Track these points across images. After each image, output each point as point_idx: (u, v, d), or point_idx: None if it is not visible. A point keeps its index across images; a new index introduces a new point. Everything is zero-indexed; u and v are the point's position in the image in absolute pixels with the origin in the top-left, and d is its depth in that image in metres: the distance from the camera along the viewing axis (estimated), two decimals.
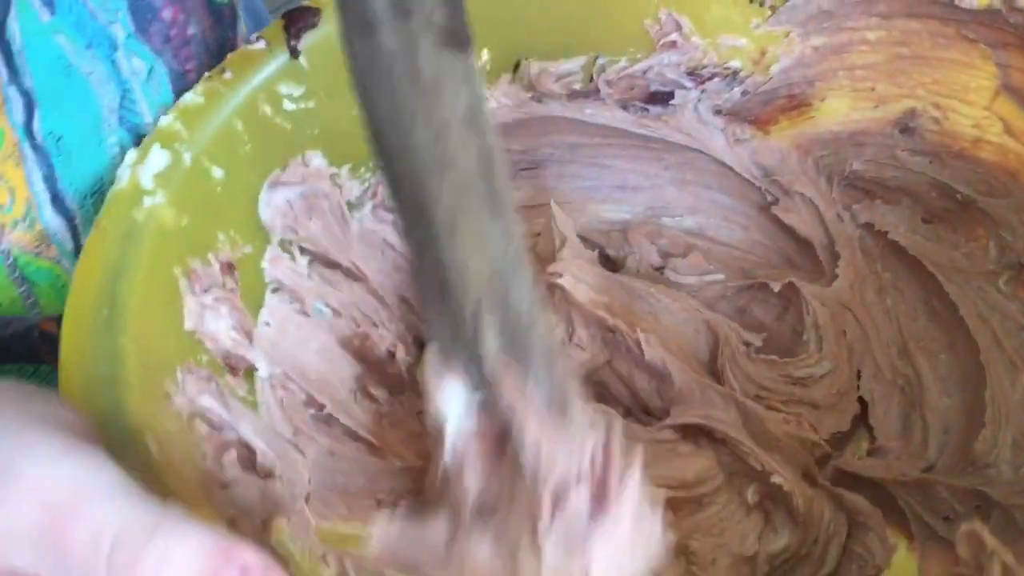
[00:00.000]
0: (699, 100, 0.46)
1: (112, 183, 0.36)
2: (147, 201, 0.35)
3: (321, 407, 0.41)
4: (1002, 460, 0.36)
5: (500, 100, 0.46)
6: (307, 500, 0.38)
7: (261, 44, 0.41)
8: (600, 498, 0.26)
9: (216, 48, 0.43)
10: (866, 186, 0.46)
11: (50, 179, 0.37)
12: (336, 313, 0.44)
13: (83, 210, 0.39)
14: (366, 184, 0.45)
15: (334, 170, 0.43)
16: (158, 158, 0.37)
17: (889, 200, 0.45)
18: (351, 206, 0.45)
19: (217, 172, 0.38)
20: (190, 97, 0.39)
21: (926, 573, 0.36)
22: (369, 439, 0.43)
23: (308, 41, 0.41)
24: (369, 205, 0.45)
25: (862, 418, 0.42)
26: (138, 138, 0.39)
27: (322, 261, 0.44)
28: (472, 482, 0.28)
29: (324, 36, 0.42)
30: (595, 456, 0.26)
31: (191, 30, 0.42)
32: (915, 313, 0.43)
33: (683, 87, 0.46)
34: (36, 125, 0.37)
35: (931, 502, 0.38)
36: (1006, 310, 0.39)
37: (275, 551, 0.31)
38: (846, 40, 0.43)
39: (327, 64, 0.42)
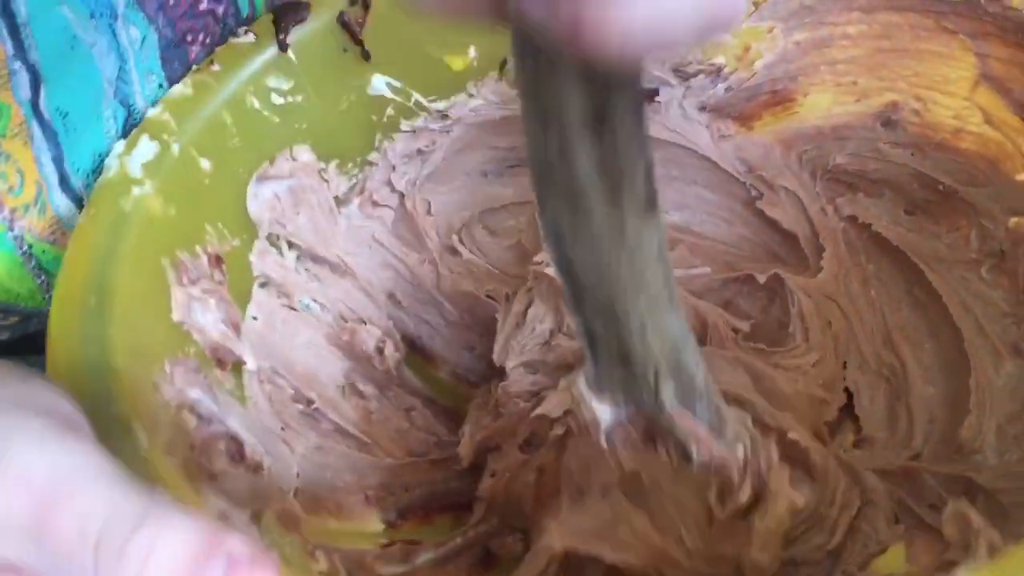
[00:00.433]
0: (684, 97, 0.46)
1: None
2: (135, 190, 0.35)
3: (309, 402, 0.41)
4: (987, 446, 0.37)
5: (487, 98, 0.46)
6: (296, 495, 0.37)
7: (250, 37, 0.41)
8: (760, 489, 0.33)
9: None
10: (849, 179, 0.46)
11: (58, 160, 0.36)
12: (324, 308, 0.44)
13: (88, 190, 0.38)
14: (353, 180, 0.45)
15: (322, 165, 0.43)
16: (146, 148, 0.37)
17: (872, 193, 0.45)
18: (339, 201, 0.45)
19: (205, 164, 0.38)
20: (179, 89, 0.39)
21: (914, 561, 0.37)
22: (357, 435, 0.42)
23: (297, 35, 0.41)
24: (357, 201, 0.45)
25: (848, 409, 0.42)
26: (127, 108, 0.39)
27: (310, 256, 0.44)
28: (626, 460, 0.34)
29: (313, 31, 0.42)
30: (747, 456, 0.34)
31: (204, 5, 0.40)
32: (899, 303, 0.43)
33: (668, 84, 0.46)
34: (43, 102, 0.36)
35: (918, 490, 0.38)
36: (988, 298, 0.40)
37: (265, 546, 0.31)
38: (828, 35, 0.43)
39: (315, 59, 0.42)
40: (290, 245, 0.43)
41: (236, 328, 0.39)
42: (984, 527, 0.30)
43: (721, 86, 0.46)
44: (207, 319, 0.37)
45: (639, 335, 0.30)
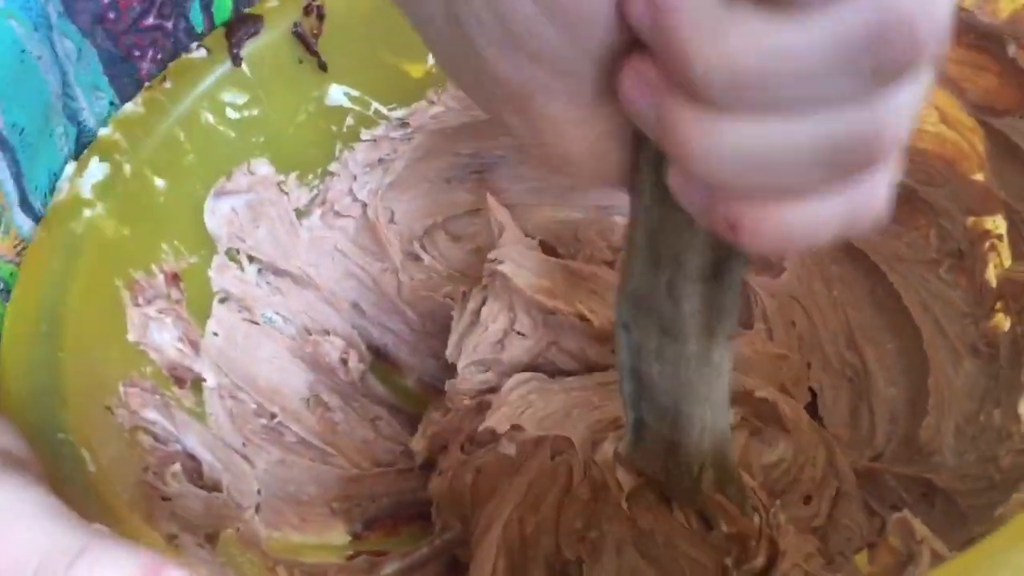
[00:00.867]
0: None
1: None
2: (86, 212, 0.35)
3: (272, 416, 0.41)
4: (945, 447, 0.37)
5: (448, 104, 0.46)
6: (257, 510, 0.37)
7: (202, 52, 0.41)
8: (774, 554, 0.35)
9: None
10: None
11: (18, 177, 0.36)
12: (287, 321, 0.44)
13: (48, 209, 0.38)
14: (314, 191, 0.45)
15: (281, 177, 0.43)
16: (97, 169, 0.36)
17: None
18: (299, 213, 0.44)
19: (159, 182, 0.38)
20: (130, 107, 0.38)
21: (875, 561, 0.37)
22: (322, 447, 0.43)
23: (250, 48, 0.41)
24: (318, 212, 0.45)
25: (811, 408, 0.42)
26: (77, 125, 0.38)
27: (271, 269, 0.44)
28: (642, 520, 0.37)
29: (267, 43, 0.41)
30: (762, 525, 0.36)
31: (151, 19, 0.40)
32: (861, 303, 0.43)
33: None
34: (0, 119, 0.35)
35: (879, 491, 0.38)
36: (947, 297, 0.39)
37: (219, 565, 0.31)
38: None
39: (270, 72, 0.42)
40: (250, 259, 0.43)
41: (194, 345, 0.39)
42: (928, 536, 0.30)
43: None
44: (164, 338, 0.37)
45: (697, 437, 0.32)
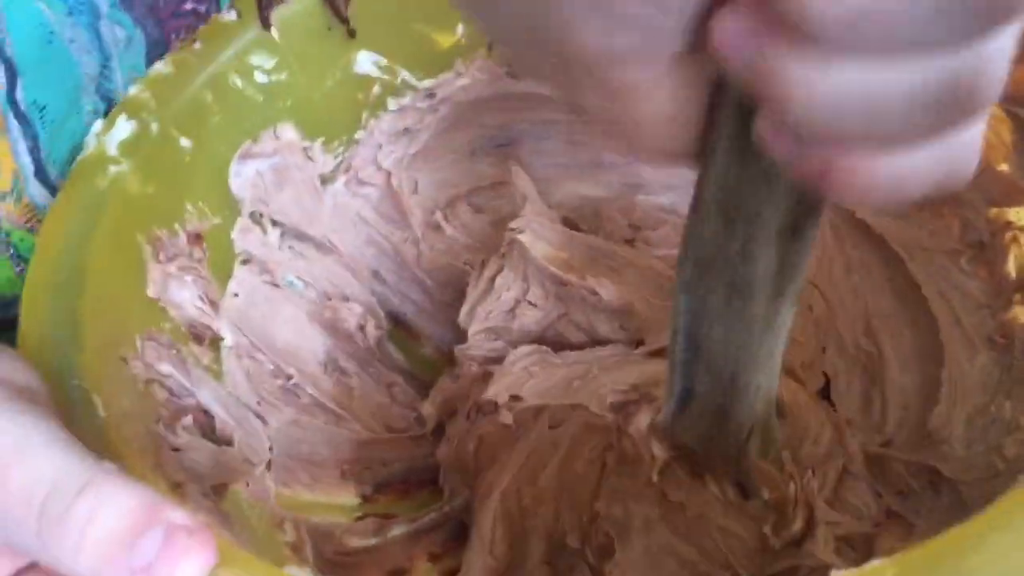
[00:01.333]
0: None
1: None
2: (112, 169, 0.36)
3: (288, 377, 0.42)
4: (955, 437, 0.36)
5: (475, 75, 0.46)
6: (268, 467, 0.38)
7: (232, 15, 0.41)
8: (810, 522, 0.36)
9: None
10: None
11: (35, 150, 0.38)
12: (307, 286, 0.45)
13: (65, 178, 0.40)
14: (339, 158, 0.45)
15: (307, 143, 0.44)
16: (124, 127, 0.37)
17: None
18: (324, 179, 0.45)
19: (185, 142, 0.39)
20: (159, 67, 0.39)
21: (880, 549, 0.37)
22: (336, 410, 0.43)
23: (280, 13, 0.41)
24: (342, 179, 0.46)
25: (824, 392, 0.42)
26: (110, 104, 0.40)
27: (293, 234, 0.44)
28: (672, 493, 0.37)
29: (297, 8, 0.42)
30: (798, 491, 0.35)
31: (189, 4, 0.42)
32: (880, 291, 0.43)
33: None
34: (19, 94, 0.37)
35: (888, 477, 0.38)
36: (966, 288, 0.39)
37: (223, 515, 0.32)
38: None
39: (300, 37, 0.42)
40: (273, 223, 0.44)
41: (214, 305, 0.39)
42: None
43: None
44: (183, 295, 0.38)
45: (751, 402, 0.31)
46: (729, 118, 0.22)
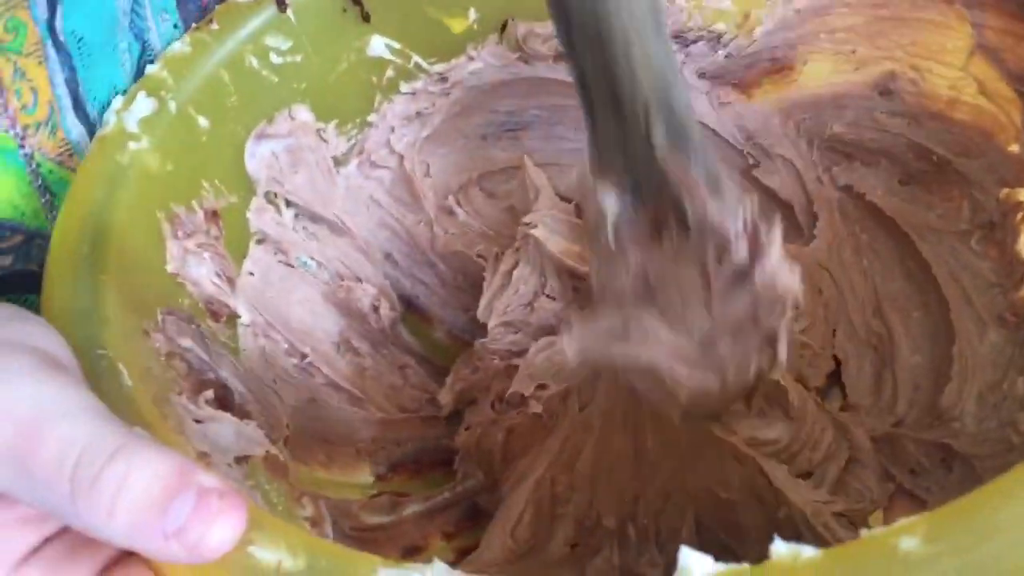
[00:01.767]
0: (683, 63, 0.46)
1: (125, 91, 0.38)
2: (132, 145, 0.36)
3: (303, 356, 0.42)
4: (966, 414, 0.37)
5: (487, 60, 0.46)
6: (286, 443, 0.38)
7: None
8: (755, 247, 0.33)
9: None
10: (846, 149, 0.46)
11: (72, 82, 0.37)
12: (321, 266, 0.45)
13: (103, 118, 0.39)
14: (352, 140, 0.46)
15: (321, 125, 0.44)
16: (144, 104, 0.37)
17: (868, 162, 0.45)
18: (337, 161, 0.45)
19: (203, 121, 0.39)
20: (177, 46, 0.39)
21: (889, 521, 0.37)
22: (350, 390, 0.43)
23: None
24: (355, 161, 0.46)
25: (835, 376, 0.42)
26: (142, 44, 0.40)
27: (307, 214, 0.45)
28: (634, 257, 0.34)
29: None
30: (746, 218, 0.32)
31: None
32: (891, 273, 0.43)
33: None
34: (58, 23, 0.37)
35: (899, 456, 0.39)
36: (977, 268, 0.40)
37: (246, 487, 0.32)
38: (827, 2, 0.43)
39: (315, 19, 0.43)
40: (288, 203, 0.44)
41: (231, 282, 0.40)
42: None
43: (721, 53, 0.46)
44: (201, 272, 0.38)
45: (625, 61, 0.30)
46: None
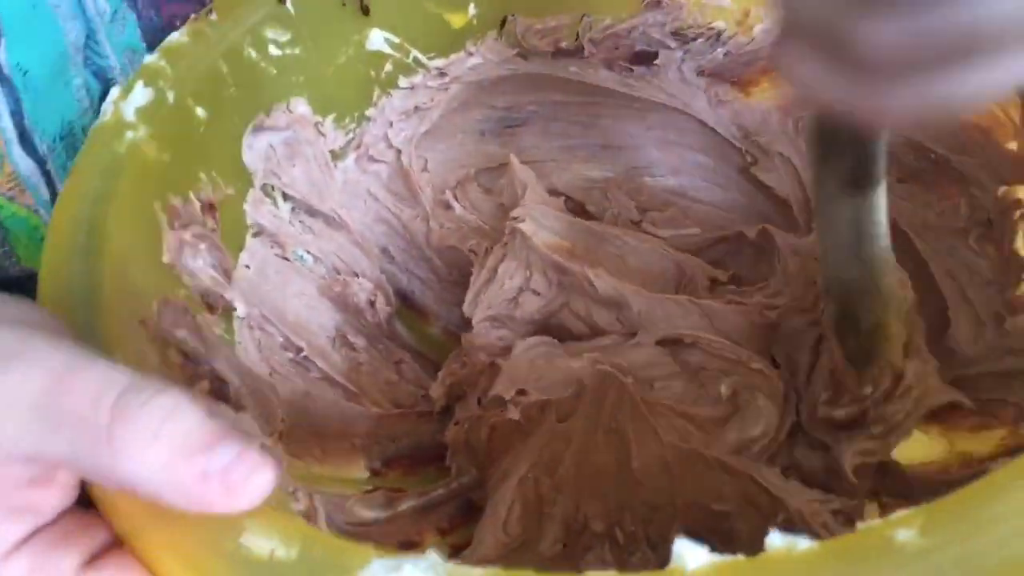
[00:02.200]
0: (683, 60, 0.47)
1: (82, 128, 0.37)
2: (129, 135, 0.36)
3: (298, 350, 0.42)
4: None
5: (485, 56, 0.46)
6: (280, 437, 0.38)
7: None
8: None
9: None
10: None
11: (17, 114, 0.37)
12: (317, 260, 0.45)
13: (54, 155, 0.40)
14: (350, 134, 0.46)
15: (318, 119, 0.44)
16: (141, 94, 0.37)
17: None
18: (335, 155, 0.45)
19: (200, 112, 0.39)
20: (176, 37, 0.39)
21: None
22: (346, 384, 0.43)
23: None
24: (353, 155, 0.46)
25: None
26: (104, 82, 0.40)
27: (304, 208, 0.44)
28: None
29: None
30: None
31: None
32: None
33: (667, 47, 0.46)
34: (3, 56, 0.37)
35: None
36: (975, 266, 0.40)
37: None
38: None
39: (314, 12, 0.43)
40: (285, 197, 0.44)
41: (227, 274, 0.39)
42: None
43: (720, 50, 0.46)
44: (197, 264, 0.38)
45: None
46: None
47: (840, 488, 0.37)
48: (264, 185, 0.43)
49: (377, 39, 0.44)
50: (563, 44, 0.46)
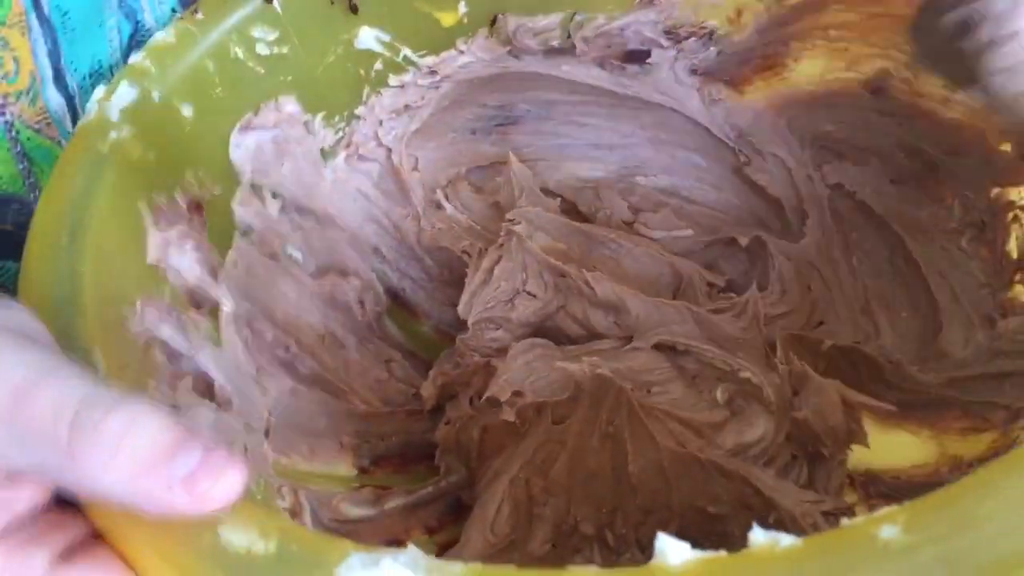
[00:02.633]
0: (675, 59, 0.46)
1: (110, 67, 0.38)
2: (113, 134, 0.36)
3: (287, 348, 0.42)
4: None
5: (477, 55, 0.46)
6: (267, 435, 0.38)
7: None
8: None
9: None
10: (837, 147, 0.46)
11: (54, 54, 0.38)
12: (306, 258, 0.45)
13: (83, 91, 0.40)
14: (340, 133, 0.45)
15: (308, 117, 0.44)
16: (126, 93, 0.37)
17: (859, 161, 0.45)
18: (324, 154, 0.45)
19: (187, 111, 0.39)
20: (161, 36, 0.39)
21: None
22: (334, 382, 0.43)
23: None
24: (343, 154, 0.46)
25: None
26: (135, 24, 0.40)
27: (293, 206, 0.44)
28: None
29: None
30: None
31: None
32: (880, 272, 0.43)
33: (660, 46, 0.46)
34: None
35: None
36: (966, 267, 0.39)
37: None
38: None
39: (302, 10, 0.42)
40: (274, 195, 0.43)
41: (213, 273, 0.39)
42: None
43: (713, 49, 0.46)
44: (183, 262, 0.37)
45: None
46: None
47: (831, 489, 0.37)
48: (252, 184, 0.42)
49: (367, 37, 0.44)
50: (555, 43, 0.46)
